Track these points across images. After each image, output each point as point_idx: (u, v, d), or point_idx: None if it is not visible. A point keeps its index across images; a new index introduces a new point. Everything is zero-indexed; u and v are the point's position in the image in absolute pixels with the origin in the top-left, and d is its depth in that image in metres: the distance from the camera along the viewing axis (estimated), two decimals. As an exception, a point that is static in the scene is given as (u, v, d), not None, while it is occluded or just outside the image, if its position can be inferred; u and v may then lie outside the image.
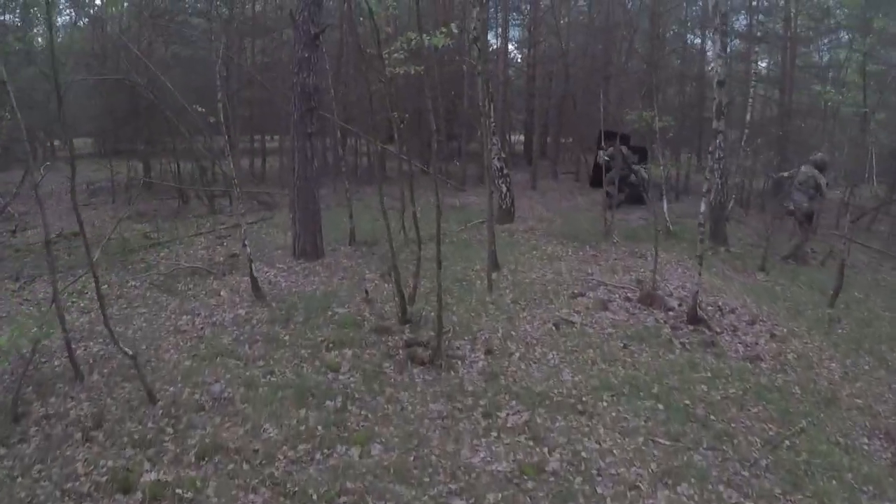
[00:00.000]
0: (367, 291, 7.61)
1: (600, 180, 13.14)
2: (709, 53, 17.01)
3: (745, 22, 17.29)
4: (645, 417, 5.18)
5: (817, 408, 5.52)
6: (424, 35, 5.66)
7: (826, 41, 17.52)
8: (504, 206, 11.47)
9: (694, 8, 19.27)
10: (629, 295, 8.13)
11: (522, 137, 25.62)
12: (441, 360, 5.91)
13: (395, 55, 6.23)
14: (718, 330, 7.24)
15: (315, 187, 9.06)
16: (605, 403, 5.38)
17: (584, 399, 5.45)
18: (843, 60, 16.10)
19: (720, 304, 7.97)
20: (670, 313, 7.70)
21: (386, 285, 7.88)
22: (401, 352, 6.13)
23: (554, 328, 7.01)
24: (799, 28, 15.64)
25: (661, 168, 12.51)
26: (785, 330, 7.28)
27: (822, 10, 14.95)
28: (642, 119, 11.80)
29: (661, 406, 5.35)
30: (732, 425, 5.09)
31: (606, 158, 12.91)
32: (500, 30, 20.81)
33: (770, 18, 16.43)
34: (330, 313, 6.94)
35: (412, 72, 6.27)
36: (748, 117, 14.37)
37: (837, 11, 14.99)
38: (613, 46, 17.37)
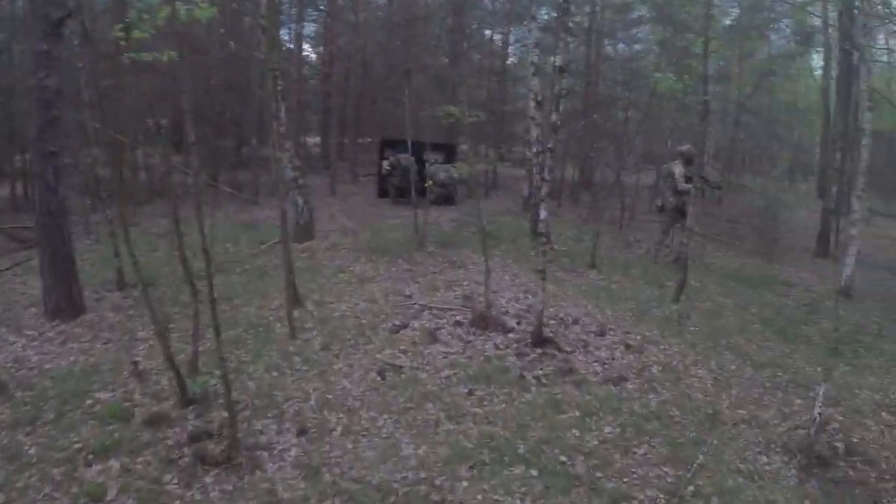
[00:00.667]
0: (135, 363, 5.30)
1: (387, 191, 13.94)
2: (510, 48, 16.58)
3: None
4: (519, 493, 3.81)
5: (704, 430, 4.65)
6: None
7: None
8: (301, 222, 9.23)
9: (497, 1, 18.87)
10: (459, 318, 6.55)
11: (319, 139, 23.23)
12: (240, 457, 4.03)
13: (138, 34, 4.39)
14: (569, 349, 5.98)
15: (64, 223, 6.47)
16: (465, 483, 3.90)
17: (436, 482, 3.89)
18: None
19: (561, 314, 6.80)
20: (510, 335, 6.27)
21: (171, 336, 5.56)
22: (185, 451, 4.09)
23: (378, 378, 5.22)
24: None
25: (472, 165, 11.31)
26: (639, 337, 6.29)
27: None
28: (448, 114, 10.59)
29: (533, 472, 4.04)
30: (624, 480, 3.99)
31: (388, 168, 13.42)
32: (293, 25, 18.48)
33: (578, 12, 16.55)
34: (90, 402, 4.74)
35: (164, 58, 4.39)
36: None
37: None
38: (413, 41, 16.07)
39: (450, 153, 14.18)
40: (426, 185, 13.24)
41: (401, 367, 5.36)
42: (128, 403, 4.70)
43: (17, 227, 10.55)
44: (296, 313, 6.14)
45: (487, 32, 19.44)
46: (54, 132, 6.27)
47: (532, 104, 9.95)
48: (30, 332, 6.10)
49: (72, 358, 5.56)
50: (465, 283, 7.78)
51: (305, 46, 21.22)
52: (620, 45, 19.19)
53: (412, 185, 12.82)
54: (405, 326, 6.18)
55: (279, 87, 8.22)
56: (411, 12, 16.57)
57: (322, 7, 19.25)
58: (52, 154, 6.25)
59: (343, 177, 16.58)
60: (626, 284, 8.42)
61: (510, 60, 19.99)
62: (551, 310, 6.78)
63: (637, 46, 18.62)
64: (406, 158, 13.06)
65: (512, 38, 19.69)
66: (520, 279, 8.16)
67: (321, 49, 21.57)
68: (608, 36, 17.39)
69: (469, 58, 16.80)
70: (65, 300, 6.53)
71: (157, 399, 4.76)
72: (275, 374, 5.18)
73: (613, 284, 8.38)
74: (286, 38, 18.75)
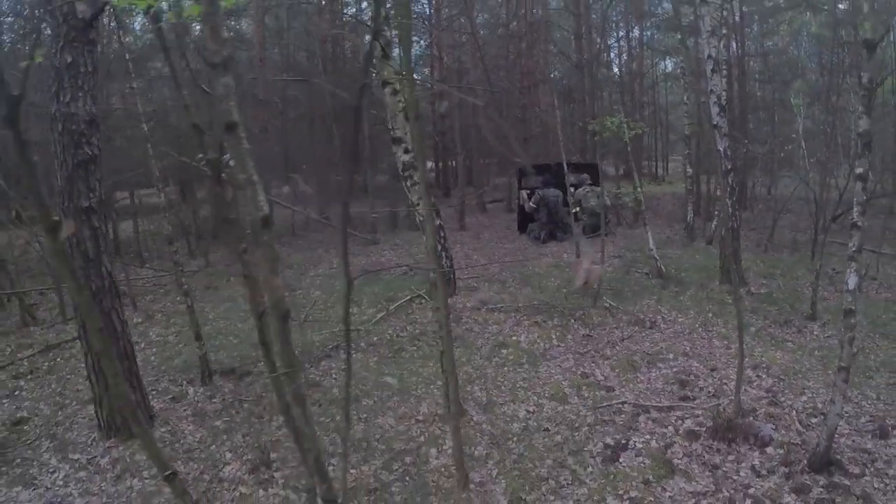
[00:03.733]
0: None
1: (525, 226, 12.50)
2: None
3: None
4: None
5: None
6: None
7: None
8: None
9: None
10: (689, 423, 4.68)
11: (431, 164, 22.06)
12: None
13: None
14: (856, 471, 3.99)
15: (115, 305, 4.86)
16: None
17: None
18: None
19: (810, 404, 4.78)
20: (768, 450, 4.32)
21: (273, 474, 4.28)
22: None
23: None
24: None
25: (636, 190, 9.41)
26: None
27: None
28: (603, 129, 8.79)
29: None
30: None
31: (533, 206, 11.95)
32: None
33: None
34: None
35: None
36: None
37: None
38: (534, 50, 14.38)
39: (594, 174, 12.33)
40: (574, 211, 11.57)
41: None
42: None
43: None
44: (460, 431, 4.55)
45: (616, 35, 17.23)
46: (88, 179, 4.57)
47: (715, 109, 7.86)
48: (76, 457, 4.71)
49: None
50: (668, 357, 5.91)
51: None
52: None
53: (561, 225, 11.33)
54: (622, 448, 4.38)
55: (399, 102, 6.91)
56: (528, 18, 14.92)
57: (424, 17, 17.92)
58: (89, 210, 4.60)
59: (468, 206, 15.10)
60: (871, 344, 6.12)
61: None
62: (790, 397, 4.88)
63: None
64: (553, 195, 11.71)
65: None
66: (736, 345, 6.12)
67: (427, 71, 20.47)
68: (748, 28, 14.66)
69: (600, 62, 14.78)
70: (122, 413, 4.68)
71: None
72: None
73: (854, 346, 6.09)
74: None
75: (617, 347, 6.25)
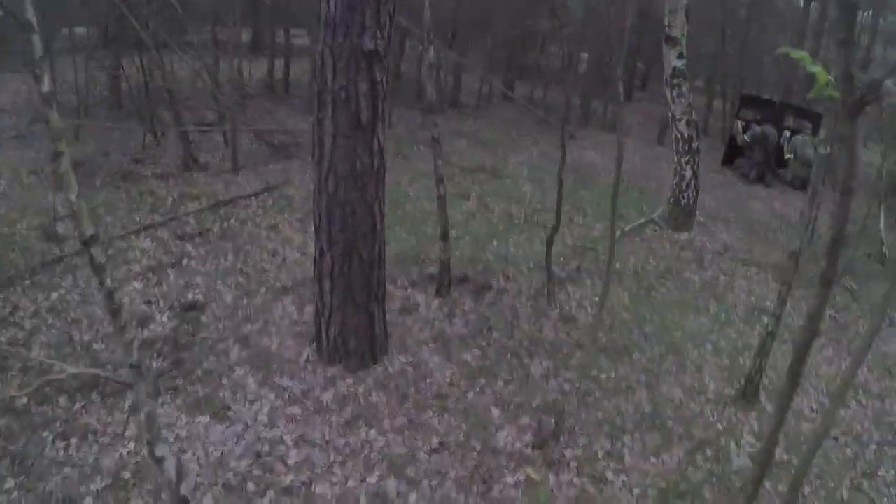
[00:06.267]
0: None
1: (732, 158, 11.28)
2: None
3: None
4: None
5: None
6: None
7: None
8: (684, 202, 7.01)
9: None
10: None
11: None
12: None
13: None
14: None
15: (380, 192, 3.75)
16: None
17: None
18: None
19: None
20: None
21: (564, 452, 3.54)
22: None
23: None
24: None
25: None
26: None
27: None
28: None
29: None
30: None
31: (746, 139, 10.66)
32: None
33: None
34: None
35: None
36: None
37: None
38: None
39: (816, 124, 10.76)
40: (787, 157, 10.41)
41: None
42: None
43: (276, 130, 9.12)
44: (752, 417, 4.19)
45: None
46: (379, 10, 3.29)
47: None
48: (286, 384, 3.77)
49: (358, 475, 3.21)
50: None
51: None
52: None
53: (773, 168, 10.58)
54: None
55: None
56: None
57: None
58: (371, 56, 3.31)
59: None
60: None
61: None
62: None
63: None
64: (772, 133, 10.63)
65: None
66: None
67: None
68: None
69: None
70: (356, 335, 3.86)
71: None
72: None
73: None
74: None
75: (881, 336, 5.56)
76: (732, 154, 11.37)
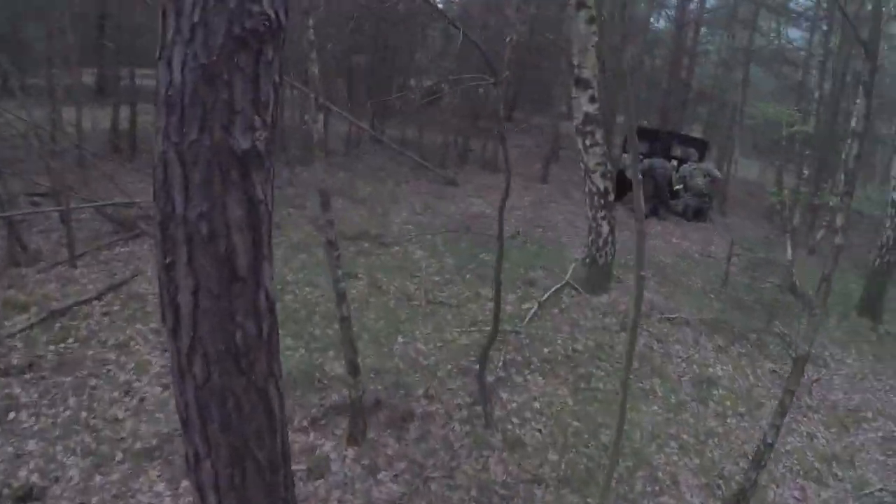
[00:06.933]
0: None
1: (621, 193, 10.09)
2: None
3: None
4: None
5: None
6: None
7: None
8: (601, 261, 6.48)
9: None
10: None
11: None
12: None
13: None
14: None
15: (269, 356, 2.17)
16: None
17: None
18: None
19: None
20: None
21: None
22: None
23: None
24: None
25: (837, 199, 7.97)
26: None
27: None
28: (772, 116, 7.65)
29: None
30: None
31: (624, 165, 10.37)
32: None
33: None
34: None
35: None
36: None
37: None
38: None
39: (702, 151, 11.10)
40: (676, 189, 10.54)
41: None
42: None
43: (121, 203, 7.34)
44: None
45: None
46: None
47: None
48: None
49: None
50: (867, 415, 5.17)
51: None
52: None
53: (666, 202, 10.24)
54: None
55: (594, 34, 5.69)
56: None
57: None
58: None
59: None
60: None
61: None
62: None
63: None
64: (661, 167, 10.46)
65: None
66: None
67: None
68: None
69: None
70: None
71: None
72: None
73: None
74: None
75: (814, 395, 5.40)
76: (622, 189, 11.30)
